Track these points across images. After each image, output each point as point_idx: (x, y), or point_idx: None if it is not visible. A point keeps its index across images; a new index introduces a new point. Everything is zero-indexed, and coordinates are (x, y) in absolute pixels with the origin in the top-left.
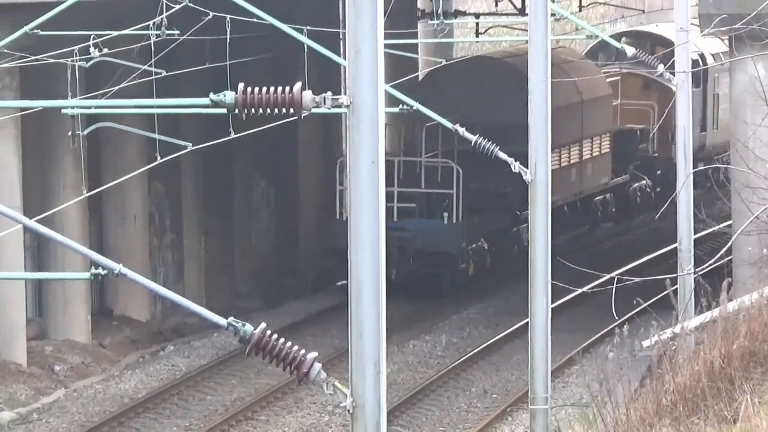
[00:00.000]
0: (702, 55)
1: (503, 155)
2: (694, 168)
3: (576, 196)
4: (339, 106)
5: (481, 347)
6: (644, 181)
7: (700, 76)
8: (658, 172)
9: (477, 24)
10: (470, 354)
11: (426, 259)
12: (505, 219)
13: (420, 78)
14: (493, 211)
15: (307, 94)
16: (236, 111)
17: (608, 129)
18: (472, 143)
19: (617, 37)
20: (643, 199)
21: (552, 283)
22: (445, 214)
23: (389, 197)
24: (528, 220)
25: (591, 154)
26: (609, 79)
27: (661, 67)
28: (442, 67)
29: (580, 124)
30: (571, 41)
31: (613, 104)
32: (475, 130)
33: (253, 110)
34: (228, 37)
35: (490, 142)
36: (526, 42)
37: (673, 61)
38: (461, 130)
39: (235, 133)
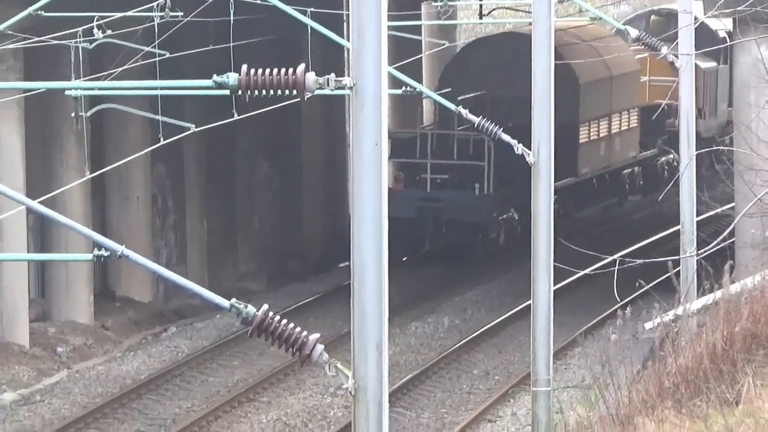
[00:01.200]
0: (730, 33)
1: (506, 137)
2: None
3: (605, 169)
4: (342, 88)
5: (483, 329)
6: (671, 155)
7: (729, 53)
8: None
9: (480, 6)
10: (472, 336)
11: (458, 228)
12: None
13: (455, 53)
14: (523, 182)
15: (311, 76)
16: (239, 92)
17: (636, 104)
18: (474, 125)
19: (647, 14)
20: (670, 173)
21: (554, 265)
22: (477, 185)
23: (423, 169)
24: (555, 191)
25: (619, 128)
26: (638, 56)
27: (664, 49)
28: (475, 42)
29: (609, 99)
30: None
31: (642, 80)
32: (505, 105)
33: (256, 92)
34: (231, 18)
35: (493, 124)
36: (530, 24)
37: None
38: (464, 112)
39: (238, 115)
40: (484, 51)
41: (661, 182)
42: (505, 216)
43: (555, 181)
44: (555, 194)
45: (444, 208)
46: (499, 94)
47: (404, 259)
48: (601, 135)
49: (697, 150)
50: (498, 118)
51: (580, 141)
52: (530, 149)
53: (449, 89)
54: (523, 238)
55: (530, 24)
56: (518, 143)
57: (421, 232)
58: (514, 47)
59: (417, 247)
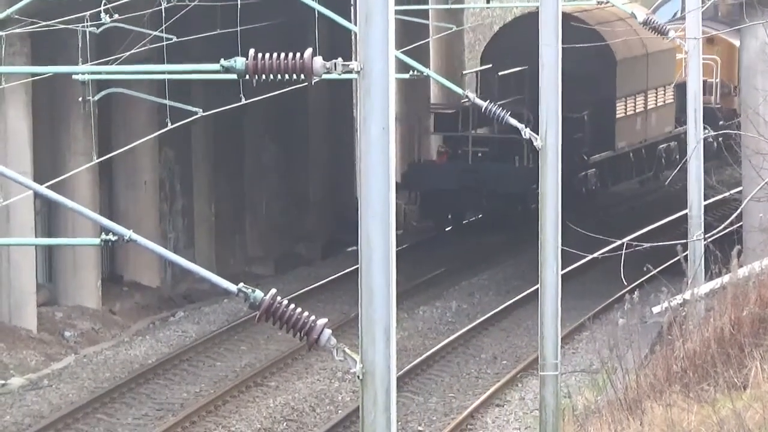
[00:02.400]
0: None
1: (513, 121)
2: None
3: (641, 143)
4: (349, 72)
5: (491, 313)
6: (707, 131)
7: None
8: (720, 122)
9: None
10: (480, 320)
11: (498, 199)
12: (573, 163)
13: (495, 32)
14: (562, 155)
15: (318, 60)
16: (247, 77)
17: (672, 81)
18: (482, 109)
19: None
20: (706, 147)
21: (562, 249)
22: (516, 158)
23: (464, 142)
24: (593, 165)
25: (655, 103)
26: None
27: (672, 33)
28: (516, 20)
29: (645, 75)
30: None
31: (677, 58)
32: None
33: (263, 76)
34: (239, 2)
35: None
36: (537, 8)
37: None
38: (472, 96)
39: (246, 99)
40: (524, 28)
41: (710, 153)
42: None
43: (593, 154)
44: (593, 167)
45: (484, 180)
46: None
47: (447, 229)
48: (637, 110)
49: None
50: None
51: (617, 116)
52: (574, 114)
53: (490, 65)
54: (562, 208)
55: (538, 8)
56: (526, 128)
57: (463, 204)
58: (568, 34)
59: (459, 218)
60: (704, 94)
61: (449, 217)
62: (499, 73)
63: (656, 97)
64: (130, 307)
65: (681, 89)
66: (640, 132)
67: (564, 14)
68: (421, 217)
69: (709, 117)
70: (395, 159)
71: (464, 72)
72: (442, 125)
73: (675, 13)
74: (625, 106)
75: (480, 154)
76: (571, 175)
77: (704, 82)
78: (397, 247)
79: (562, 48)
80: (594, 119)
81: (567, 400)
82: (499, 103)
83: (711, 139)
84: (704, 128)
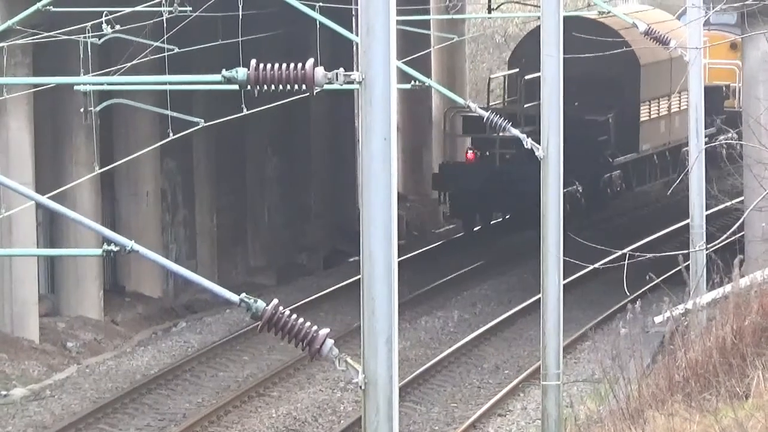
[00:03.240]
0: None
1: (515, 131)
2: None
3: (664, 146)
4: (351, 83)
5: (493, 323)
6: (730, 134)
7: None
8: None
9: (489, 0)
10: (482, 330)
11: (524, 200)
12: (598, 164)
13: (524, 35)
14: (587, 157)
15: (320, 71)
16: (248, 87)
17: None
18: (484, 119)
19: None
20: (727, 151)
21: (564, 260)
22: None
23: (492, 144)
24: (618, 166)
25: (679, 107)
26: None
27: (673, 43)
28: (539, 27)
29: (669, 79)
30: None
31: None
32: (573, 85)
33: (265, 87)
34: (240, 13)
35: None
36: (539, 18)
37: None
38: (473, 106)
39: (248, 110)
40: None
41: (720, 160)
42: (569, 189)
43: (618, 156)
44: (617, 169)
45: (511, 181)
46: (567, 73)
47: (476, 229)
48: (661, 114)
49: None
50: (565, 94)
51: (641, 119)
52: (599, 117)
53: (517, 69)
54: (587, 209)
55: (539, 18)
56: (528, 137)
57: (490, 204)
58: (579, 30)
59: (486, 218)
60: (727, 98)
61: (477, 217)
62: (526, 77)
63: (680, 100)
64: (133, 317)
65: (705, 94)
66: (664, 135)
67: (589, 20)
68: (450, 216)
69: (731, 121)
70: (397, 169)
71: (491, 76)
72: (470, 127)
73: (648, 28)
74: (649, 109)
75: (507, 156)
76: (596, 177)
77: (727, 86)
78: (399, 256)
79: (587, 51)
80: (619, 122)
81: (569, 410)
82: (525, 105)
83: (721, 147)
84: (727, 131)
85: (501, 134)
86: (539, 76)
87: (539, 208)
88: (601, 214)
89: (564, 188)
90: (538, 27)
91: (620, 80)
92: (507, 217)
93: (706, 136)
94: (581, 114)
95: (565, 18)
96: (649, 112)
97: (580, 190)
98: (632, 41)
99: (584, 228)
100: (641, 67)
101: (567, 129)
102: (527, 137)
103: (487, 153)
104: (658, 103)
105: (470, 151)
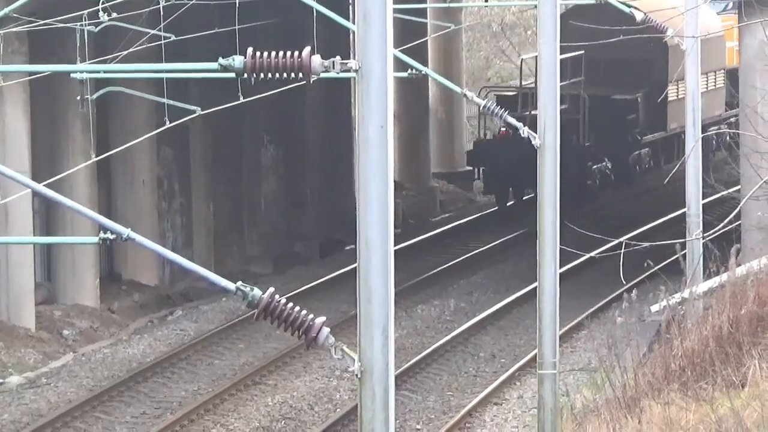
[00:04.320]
0: None
1: (512, 120)
2: None
3: None
4: (348, 71)
5: (489, 312)
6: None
7: None
8: None
9: None
10: (479, 318)
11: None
12: (627, 142)
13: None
14: (617, 135)
15: (316, 59)
16: (245, 75)
17: (722, 66)
18: (481, 107)
19: None
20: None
21: (560, 248)
22: (574, 137)
23: (523, 123)
24: (647, 144)
25: (706, 87)
26: (724, 23)
27: (670, 31)
28: (572, 9)
29: None
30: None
31: (728, 46)
32: (603, 65)
33: (261, 75)
34: (237, 1)
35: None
36: (536, 7)
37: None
38: (470, 95)
39: (244, 98)
40: (581, 17)
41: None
42: (599, 165)
43: (647, 134)
44: (646, 147)
45: None
46: (594, 55)
47: (509, 204)
48: None
49: None
50: (593, 75)
51: (669, 99)
52: (628, 96)
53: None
54: (616, 185)
55: (536, 6)
56: (524, 127)
57: (522, 180)
58: (608, 15)
59: (519, 194)
60: None
61: (510, 192)
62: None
63: (707, 81)
64: (129, 305)
65: (731, 75)
66: None
67: (617, 8)
68: (484, 192)
69: None
70: (393, 158)
71: (523, 57)
72: (502, 106)
73: (726, 5)
74: (677, 89)
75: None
76: (625, 154)
77: None
78: (395, 244)
79: (617, 35)
80: (647, 102)
81: (565, 399)
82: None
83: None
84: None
85: (532, 113)
86: (570, 57)
87: (570, 182)
88: (631, 189)
89: (594, 165)
90: (568, 11)
91: (649, 61)
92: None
93: (732, 117)
94: (611, 93)
95: (596, 6)
96: (677, 92)
97: (610, 167)
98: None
99: (608, 205)
100: (669, 48)
101: (598, 108)
102: (525, 127)
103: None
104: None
105: (503, 129)
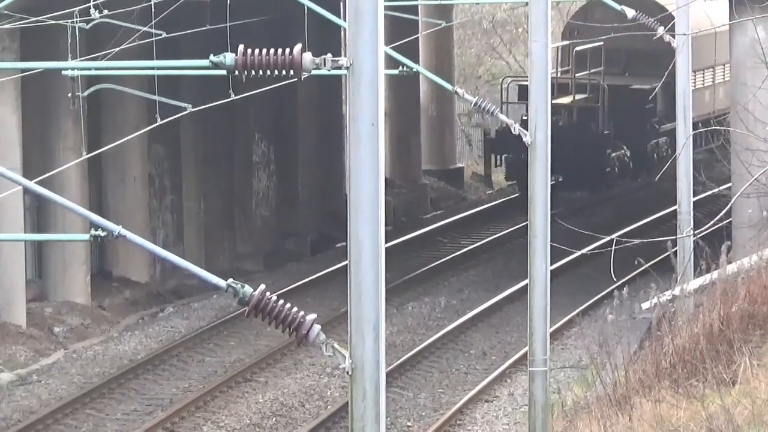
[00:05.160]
0: None
1: (503, 117)
2: None
3: (709, 115)
4: (339, 68)
5: (480, 309)
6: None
7: None
8: None
9: None
10: (469, 316)
11: (576, 163)
12: (645, 131)
13: (579, 8)
14: (635, 124)
15: (307, 56)
16: (236, 72)
17: None
18: (472, 104)
19: None
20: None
21: (551, 245)
22: (593, 124)
23: None
24: (666, 133)
25: (723, 78)
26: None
27: (660, 30)
28: (590, 3)
29: (713, 52)
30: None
31: None
32: (622, 55)
33: (253, 72)
34: None
35: (490, 105)
36: (527, 4)
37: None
38: (461, 92)
39: (235, 95)
40: (603, 7)
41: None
42: (618, 153)
43: (665, 123)
44: (665, 136)
45: (563, 145)
46: (614, 45)
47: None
48: (706, 84)
49: None
50: (613, 65)
51: None
52: (646, 86)
53: (571, 41)
54: (634, 172)
55: (527, 4)
56: (515, 124)
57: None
58: (631, 4)
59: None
60: None
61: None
62: (576, 49)
63: (724, 72)
64: (120, 302)
65: None
66: (709, 104)
67: None
68: (506, 178)
69: None
70: (384, 155)
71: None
72: (524, 95)
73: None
74: (695, 79)
75: (560, 122)
76: (643, 142)
77: None
78: (386, 242)
79: (639, 27)
80: (665, 91)
81: (556, 396)
82: (577, 75)
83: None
84: None
85: (553, 101)
86: (590, 48)
87: (589, 170)
88: (647, 177)
89: (613, 152)
90: (584, 6)
91: (667, 51)
92: (560, 179)
93: None
94: (630, 83)
95: None
96: (695, 83)
97: (628, 154)
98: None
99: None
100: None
101: (617, 97)
102: (516, 123)
103: None
104: (703, 74)
105: (524, 117)
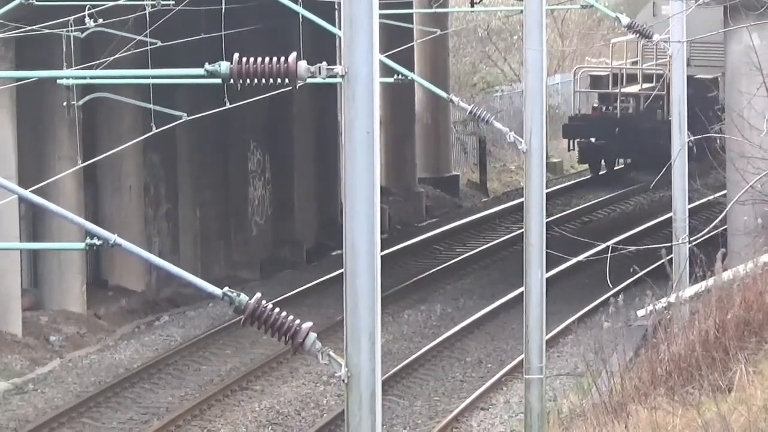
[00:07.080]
0: None
1: (498, 124)
2: None
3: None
4: (334, 77)
5: (476, 317)
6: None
7: None
8: None
9: None
10: (465, 324)
11: (642, 148)
12: (708, 117)
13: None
14: (698, 112)
15: (302, 64)
16: (231, 81)
17: None
18: (467, 112)
19: None
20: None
21: (547, 252)
22: (659, 111)
23: (614, 99)
24: None
25: None
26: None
27: (656, 36)
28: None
29: None
30: (566, 11)
31: None
32: (688, 46)
33: (248, 80)
34: (223, 7)
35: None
36: (521, 12)
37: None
38: (456, 100)
39: (230, 104)
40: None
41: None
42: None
43: (723, 112)
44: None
45: (630, 131)
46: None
47: (601, 173)
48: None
49: None
50: None
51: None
52: (709, 76)
53: (637, 35)
54: (698, 158)
55: (522, 12)
56: (510, 131)
57: (612, 152)
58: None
59: (611, 164)
60: None
61: (602, 163)
62: (643, 42)
63: None
64: (116, 311)
65: None
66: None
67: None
68: (579, 161)
69: None
70: (380, 163)
71: (613, 41)
72: (596, 85)
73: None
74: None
75: (629, 110)
76: (704, 130)
77: None
78: (382, 250)
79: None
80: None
81: (552, 404)
82: (644, 66)
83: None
84: None
85: (621, 89)
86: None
87: (656, 153)
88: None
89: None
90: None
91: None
92: (628, 161)
93: None
94: (694, 73)
95: None
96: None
97: (692, 140)
98: None
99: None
100: None
101: None
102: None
103: (610, 107)
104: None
105: (595, 106)
